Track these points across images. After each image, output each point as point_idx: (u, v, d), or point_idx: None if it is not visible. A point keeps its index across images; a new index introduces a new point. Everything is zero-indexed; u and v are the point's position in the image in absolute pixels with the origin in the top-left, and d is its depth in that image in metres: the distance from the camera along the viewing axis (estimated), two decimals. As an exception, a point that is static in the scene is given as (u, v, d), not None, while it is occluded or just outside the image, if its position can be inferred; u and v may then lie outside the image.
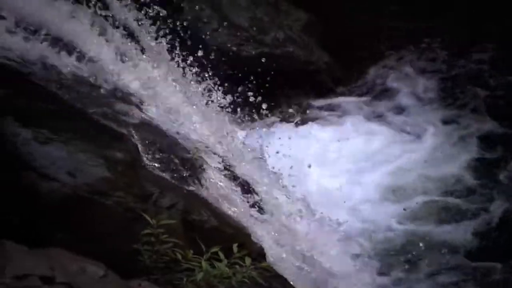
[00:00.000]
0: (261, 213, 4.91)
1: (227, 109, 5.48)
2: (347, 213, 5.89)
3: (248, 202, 4.82)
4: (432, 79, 7.90)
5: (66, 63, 4.36)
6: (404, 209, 6.02)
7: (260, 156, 5.20)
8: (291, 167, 5.35)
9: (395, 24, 8.42)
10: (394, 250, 5.69)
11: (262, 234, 4.60)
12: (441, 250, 5.64)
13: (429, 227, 5.92)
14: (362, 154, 6.76)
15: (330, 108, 7.54)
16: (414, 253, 5.63)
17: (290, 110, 7.28)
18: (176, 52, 5.34)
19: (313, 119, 7.28)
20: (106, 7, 5.09)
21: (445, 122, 7.25)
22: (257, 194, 4.97)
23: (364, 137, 7.01)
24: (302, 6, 8.13)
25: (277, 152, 5.33)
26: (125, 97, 4.53)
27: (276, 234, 4.79)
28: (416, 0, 8.50)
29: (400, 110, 7.54)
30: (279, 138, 5.78)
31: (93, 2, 4.93)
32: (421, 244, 5.67)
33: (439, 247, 5.68)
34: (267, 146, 5.35)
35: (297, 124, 7.13)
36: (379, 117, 7.40)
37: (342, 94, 7.82)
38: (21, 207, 3.45)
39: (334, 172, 6.43)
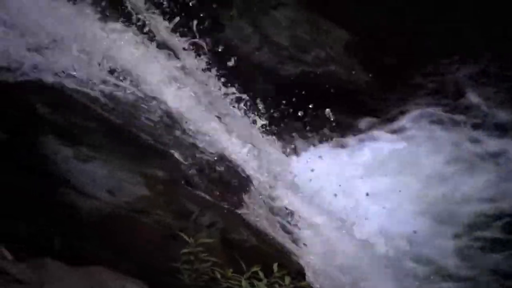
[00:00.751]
0: (301, 233, 4.85)
1: (267, 128, 5.45)
2: (392, 238, 5.75)
3: (288, 221, 4.77)
4: (480, 97, 7.72)
5: (108, 81, 4.37)
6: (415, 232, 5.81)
7: (299, 176, 5.15)
8: (329, 188, 5.28)
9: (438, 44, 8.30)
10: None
11: (302, 254, 4.55)
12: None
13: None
14: (402, 176, 6.60)
15: (371, 128, 7.46)
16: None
17: (330, 130, 7.22)
18: (217, 70, 5.34)
19: (354, 139, 7.20)
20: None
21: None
22: (296, 214, 4.92)
23: (404, 159, 6.86)
24: (343, 26, 8.08)
25: (312, 171, 5.27)
26: (166, 116, 4.53)
27: (317, 255, 4.72)
28: (461, 19, 8.37)
29: (443, 130, 7.40)
30: (319, 158, 5.72)
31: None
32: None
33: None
34: (306, 166, 5.30)
35: (337, 144, 7.07)
36: (417, 138, 7.27)
37: (382, 114, 7.73)
38: (61, 224, 3.46)
39: (375, 195, 6.31)
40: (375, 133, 7.35)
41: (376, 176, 6.45)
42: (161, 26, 5.24)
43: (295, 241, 4.68)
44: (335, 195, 5.35)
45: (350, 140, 7.20)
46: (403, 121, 7.53)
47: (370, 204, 5.94)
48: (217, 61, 5.47)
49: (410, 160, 6.80)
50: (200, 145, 4.56)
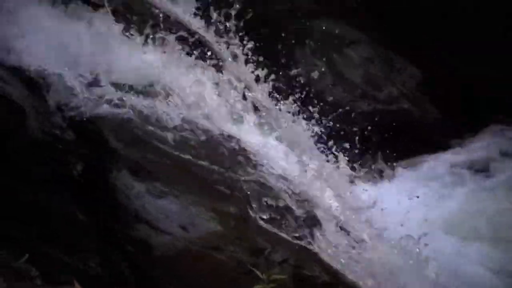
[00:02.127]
0: (376, 271, 4.76)
1: (340, 164, 5.40)
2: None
3: (361, 258, 4.69)
4: None
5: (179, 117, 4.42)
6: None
7: (373, 212, 5.08)
8: (404, 225, 5.18)
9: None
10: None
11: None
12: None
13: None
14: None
15: (443, 164, 7.32)
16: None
17: (403, 166, 7.12)
18: (290, 107, 5.35)
19: (427, 176, 7.08)
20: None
21: None
22: (370, 251, 4.83)
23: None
24: (416, 63, 8.02)
25: (384, 209, 5.19)
26: (240, 152, 4.54)
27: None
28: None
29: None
30: (393, 194, 5.64)
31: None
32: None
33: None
34: (380, 203, 5.22)
35: (409, 180, 6.95)
36: (491, 177, 7.08)
37: (455, 152, 7.58)
38: (134, 259, 3.48)
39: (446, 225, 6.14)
40: (450, 169, 7.21)
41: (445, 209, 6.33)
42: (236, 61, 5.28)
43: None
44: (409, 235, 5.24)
45: (424, 175, 7.08)
46: (477, 156, 7.38)
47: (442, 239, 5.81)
48: (290, 97, 5.47)
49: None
50: (273, 182, 4.54)
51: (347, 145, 5.81)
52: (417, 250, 4.98)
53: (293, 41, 6.73)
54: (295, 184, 4.69)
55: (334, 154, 5.43)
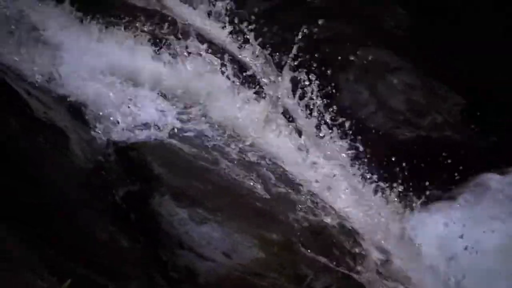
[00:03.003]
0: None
1: (384, 193, 5.34)
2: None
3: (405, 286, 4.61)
4: None
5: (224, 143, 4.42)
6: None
7: (417, 239, 5.00)
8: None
9: None
10: None
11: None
12: None
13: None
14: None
15: (487, 191, 7.18)
16: None
17: (447, 194, 7.01)
18: (333, 134, 5.31)
19: (471, 203, 6.95)
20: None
21: None
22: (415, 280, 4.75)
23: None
24: (460, 90, 7.93)
25: (429, 237, 5.11)
26: (285, 180, 4.51)
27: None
28: None
29: None
30: (437, 221, 5.54)
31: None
32: None
33: None
34: (425, 231, 5.14)
35: (453, 208, 6.83)
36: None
37: (498, 180, 7.43)
38: (177, 285, 3.46)
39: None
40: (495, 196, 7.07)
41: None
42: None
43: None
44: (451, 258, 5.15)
45: (469, 202, 6.95)
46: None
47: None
48: (332, 124, 5.44)
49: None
50: (317, 210, 4.50)
51: (390, 173, 5.74)
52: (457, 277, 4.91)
53: (337, 68, 6.71)
54: (337, 211, 4.64)
55: (376, 181, 5.37)
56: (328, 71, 6.23)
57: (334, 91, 6.46)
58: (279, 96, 4.97)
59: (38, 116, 3.80)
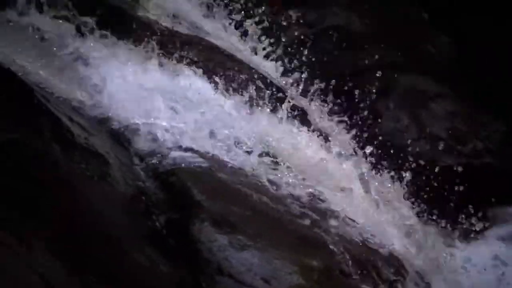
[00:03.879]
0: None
1: (425, 220, 5.27)
2: None
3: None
4: None
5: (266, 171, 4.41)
6: None
7: (460, 270, 4.91)
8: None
9: None
10: None
11: None
12: None
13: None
14: None
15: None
16: None
17: (489, 223, 6.89)
18: (374, 162, 5.28)
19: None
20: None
21: None
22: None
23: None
24: (501, 117, 7.84)
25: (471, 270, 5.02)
26: (327, 208, 4.49)
27: None
28: None
29: None
30: (482, 253, 5.44)
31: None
32: None
33: None
34: (469, 263, 5.05)
35: (497, 238, 6.71)
36: None
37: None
38: (217, 313, 3.45)
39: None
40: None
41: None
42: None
43: None
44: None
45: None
46: None
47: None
48: (374, 150, 5.41)
49: None
50: (359, 236, 4.45)
51: (431, 200, 5.68)
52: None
53: (378, 95, 6.67)
54: (381, 239, 4.58)
55: (418, 209, 5.31)
56: (369, 98, 6.20)
57: (374, 118, 6.43)
58: (320, 123, 4.96)
59: (79, 142, 3.82)
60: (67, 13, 4.65)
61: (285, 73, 5.66)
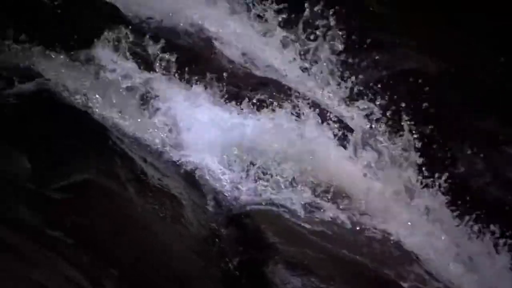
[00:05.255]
0: None
1: (504, 266, 5.11)
2: None
3: None
4: None
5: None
6: None
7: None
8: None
9: None
10: None
11: None
12: None
13: None
14: None
15: None
16: None
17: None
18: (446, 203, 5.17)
19: None
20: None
21: None
22: None
23: None
24: None
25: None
26: (396, 247, 4.39)
27: None
28: None
29: None
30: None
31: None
32: None
33: None
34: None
35: None
36: None
37: None
38: None
39: None
40: None
41: None
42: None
43: None
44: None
45: None
46: None
47: None
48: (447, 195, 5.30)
49: None
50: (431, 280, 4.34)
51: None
52: None
53: (452, 139, 6.56)
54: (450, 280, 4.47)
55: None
56: (444, 141, 6.11)
57: (449, 161, 6.31)
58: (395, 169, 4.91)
59: (153, 183, 3.84)
60: (140, 53, 4.72)
61: (358, 114, 5.61)
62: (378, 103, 5.59)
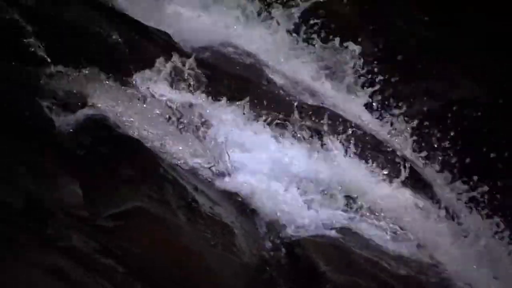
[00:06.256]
0: None
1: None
2: None
3: None
4: None
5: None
6: None
7: None
8: None
9: None
10: None
11: None
12: None
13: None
14: None
15: None
16: None
17: None
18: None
19: None
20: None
21: None
22: None
23: None
24: None
25: None
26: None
27: None
28: None
29: None
30: None
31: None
32: None
33: None
34: None
35: None
36: None
37: None
38: None
39: None
40: None
41: None
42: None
43: None
44: None
45: None
46: None
47: None
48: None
49: None
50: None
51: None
52: None
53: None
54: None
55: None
56: (501, 175, 6.00)
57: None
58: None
59: (204, 211, 3.83)
60: (191, 81, 4.75)
61: (409, 143, 5.56)
62: (432, 134, 5.53)
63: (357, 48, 6.11)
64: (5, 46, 4.14)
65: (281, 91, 5.35)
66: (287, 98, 5.31)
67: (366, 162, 4.89)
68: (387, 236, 4.32)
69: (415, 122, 5.73)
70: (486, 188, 5.40)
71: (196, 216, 3.78)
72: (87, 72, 4.37)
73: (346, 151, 4.82)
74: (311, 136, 4.84)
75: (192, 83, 4.75)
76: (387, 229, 4.36)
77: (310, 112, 5.12)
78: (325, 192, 4.41)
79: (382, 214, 4.45)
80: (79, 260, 3.07)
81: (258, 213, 4.09)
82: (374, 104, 5.91)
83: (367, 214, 4.40)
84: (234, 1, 6.10)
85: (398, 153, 5.28)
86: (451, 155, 5.73)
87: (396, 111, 5.91)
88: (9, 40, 4.18)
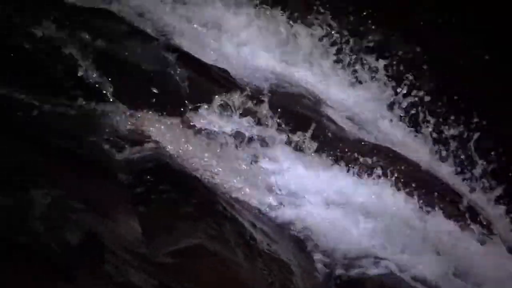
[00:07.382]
0: None
1: None
2: None
3: None
4: None
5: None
6: None
7: None
8: None
9: None
10: None
11: None
12: None
13: None
14: None
15: None
16: None
17: None
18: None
19: None
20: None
21: None
22: None
23: None
24: None
25: None
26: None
27: None
28: None
29: None
30: None
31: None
32: None
33: None
34: None
35: None
36: None
37: None
38: None
39: None
40: None
41: None
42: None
43: None
44: None
45: None
46: None
47: None
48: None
49: None
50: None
51: None
52: None
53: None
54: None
55: None
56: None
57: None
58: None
59: (262, 248, 3.81)
60: (248, 117, 4.76)
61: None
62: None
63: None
64: (65, 83, 4.20)
65: (337, 127, 5.32)
66: (346, 135, 5.28)
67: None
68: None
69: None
70: None
71: (254, 254, 3.77)
72: (149, 111, 4.41)
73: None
74: (371, 174, 4.81)
75: (248, 119, 4.75)
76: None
77: (368, 150, 5.09)
78: (387, 231, 4.36)
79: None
80: (138, 296, 3.08)
81: (316, 250, 4.06)
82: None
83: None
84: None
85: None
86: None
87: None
88: (70, 75, 4.24)
